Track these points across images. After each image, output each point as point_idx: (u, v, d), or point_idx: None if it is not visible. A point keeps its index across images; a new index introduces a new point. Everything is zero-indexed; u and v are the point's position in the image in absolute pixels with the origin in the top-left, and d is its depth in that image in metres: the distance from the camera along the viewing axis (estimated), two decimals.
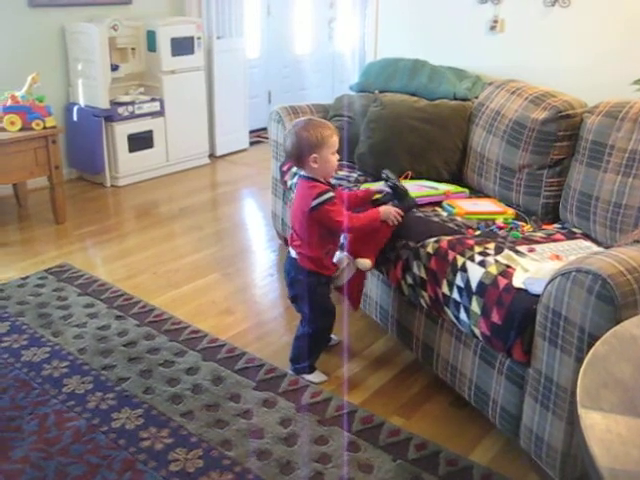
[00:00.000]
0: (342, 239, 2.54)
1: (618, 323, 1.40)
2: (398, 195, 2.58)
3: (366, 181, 3.13)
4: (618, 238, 2.40)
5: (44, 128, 3.88)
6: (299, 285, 2.51)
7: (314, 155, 2.36)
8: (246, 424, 2.27)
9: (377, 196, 2.65)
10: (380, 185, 2.73)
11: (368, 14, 4.42)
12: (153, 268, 3.55)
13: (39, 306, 3.05)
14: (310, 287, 2.47)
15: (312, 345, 2.57)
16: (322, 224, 2.39)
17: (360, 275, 2.64)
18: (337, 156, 2.45)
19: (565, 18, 3.38)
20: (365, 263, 2.52)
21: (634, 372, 1.18)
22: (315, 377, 2.57)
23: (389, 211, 2.48)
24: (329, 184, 2.47)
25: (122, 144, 4.87)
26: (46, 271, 3.42)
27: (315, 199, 2.35)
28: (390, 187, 2.61)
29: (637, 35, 3.13)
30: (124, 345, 2.75)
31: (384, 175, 2.63)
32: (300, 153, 2.40)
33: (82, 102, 4.83)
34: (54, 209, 4.11)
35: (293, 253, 2.50)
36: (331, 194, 2.38)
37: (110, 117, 4.75)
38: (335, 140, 2.41)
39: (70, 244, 3.84)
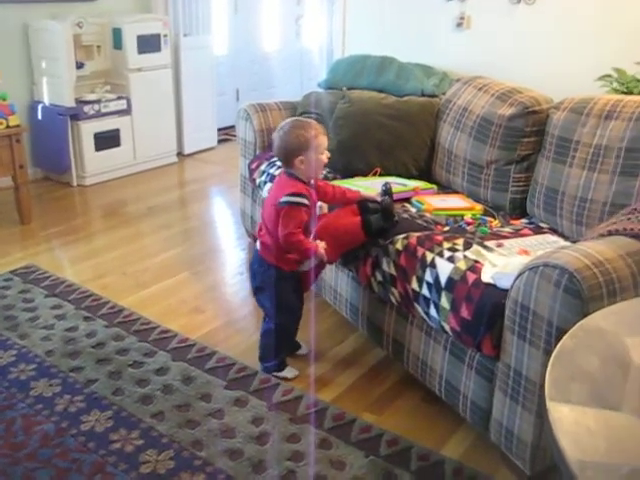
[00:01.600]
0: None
1: (585, 316, 1.42)
2: (387, 213, 2.51)
3: (335, 178, 3.13)
4: (584, 232, 2.43)
5: (7, 127, 3.81)
6: (261, 278, 2.51)
7: (300, 157, 2.36)
8: (217, 424, 2.26)
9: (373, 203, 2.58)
10: (377, 194, 2.64)
11: (335, 11, 4.42)
12: (121, 268, 3.51)
13: (5, 308, 2.99)
14: (271, 281, 2.47)
15: (277, 341, 2.56)
16: (279, 220, 2.37)
17: (320, 263, 2.59)
18: (327, 154, 2.44)
19: (530, 15, 3.41)
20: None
21: (601, 364, 1.19)
22: (287, 373, 2.58)
23: (322, 251, 2.42)
24: (309, 184, 2.45)
25: (88, 143, 4.80)
26: (12, 272, 3.36)
27: (287, 196, 2.34)
28: (384, 203, 2.53)
29: (602, 32, 3.18)
30: (93, 346, 2.71)
31: (386, 188, 2.57)
32: (287, 156, 2.39)
33: (47, 100, 4.75)
34: (19, 209, 4.04)
35: (258, 244, 2.51)
36: (304, 201, 2.35)
37: (76, 116, 4.69)
38: (322, 140, 2.41)
39: (36, 245, 3.78)
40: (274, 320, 2.53)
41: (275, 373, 2.56)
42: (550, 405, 1.06)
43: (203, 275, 3.46)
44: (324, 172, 3.24)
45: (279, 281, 2.47)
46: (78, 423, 2.24)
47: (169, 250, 3.76)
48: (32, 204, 4.15)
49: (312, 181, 2.48)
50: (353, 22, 4.27)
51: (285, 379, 2.54)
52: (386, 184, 2.60)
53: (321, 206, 2.66)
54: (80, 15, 4.69)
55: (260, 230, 2.51)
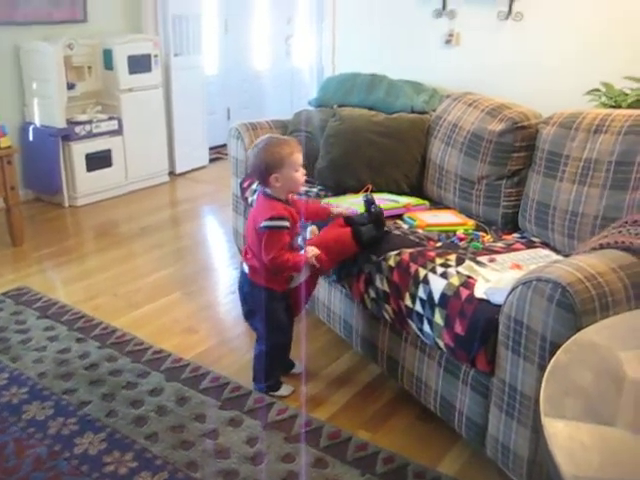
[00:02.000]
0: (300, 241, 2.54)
1: (579, 330, 1.42)
2: (378, 222, 2.52)
3: (327, 196, 3.13)
4: (576, 246, 2.43)
5: None
6: (252, 300, 2.51)
7: (275, 175, 2.34)
8: (212, 444, 2.24)
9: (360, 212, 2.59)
10: (352, 209, 2.68)
11: (325, 30, 4.45)
12: (114, 289, 3.49)
13: None
14: (263, 303, 2.45)
15: (270, 363, 2.56)
16: (263, 246, 2.35)
17: (312, 279, 2.60)
18: (302, 171, 2.43)
19: (519, 31, 3.44)
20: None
21: (595, 379, 1.19)
22: (283, 391, 2.57)
23: (313, 257, 2.39)
24: (287, 203, 2.43)
25: (80, 163, 4.80)
26: (4, 294, 3.34)
27: (266, 220, 2.32)
28: (374, 212, 2.53)
29: (588, 47, 3.20)
30: (85, 368, 2.70)
31: (367, 199, 2.57)
32: (261, 173, 2.38)
33: (38, 122, 4.75)
34: (11, 231, 4.03)
35: (246, 267, 2.49)
36: (284, 224, 2.33)
37: (67, 136, 4.69)
38: (297, 157, 2.39)
39: (28, 266, 3.77)
40: (267, 342, 2.52)
41: (271, 393, 2.55)
42: (545, 421, 1.06)
43: (196, 294, 3.45)
44: (316, 190, 3.25)
45: (271, 302, 2.46)
46: (71, 446, 2.22)
47: (161, 270, 3.75)
48: (24, 225, 4.14)
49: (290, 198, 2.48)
50: (342, 40, 4.29)
51: (281, 397, 2.53)
52: (366, 196, 2.60)
53: (312, 230, 2.66)
54: (71, 36, 4.70)
55: (246, 253, 2.49)
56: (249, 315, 2.58)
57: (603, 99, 2.96)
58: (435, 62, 3.79)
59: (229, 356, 2.85)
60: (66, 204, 4.84)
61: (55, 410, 2.42)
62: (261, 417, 2.40)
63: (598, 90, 2.99)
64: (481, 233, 2.74)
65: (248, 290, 2.50)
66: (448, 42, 3.73)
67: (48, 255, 3.95)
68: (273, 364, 2.57)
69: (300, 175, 2.42)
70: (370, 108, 3.45)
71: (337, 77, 3.83)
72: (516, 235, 2.77)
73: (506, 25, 3.48)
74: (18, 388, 2.55)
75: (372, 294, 2.44)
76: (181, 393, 2.53)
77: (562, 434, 1.03)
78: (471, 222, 2.86)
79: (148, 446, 2.23)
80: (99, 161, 4.93)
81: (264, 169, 2.36)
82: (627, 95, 2.89)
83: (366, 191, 3.10)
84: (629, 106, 2.82)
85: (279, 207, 2.37)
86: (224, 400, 2.49)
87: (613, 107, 2.86)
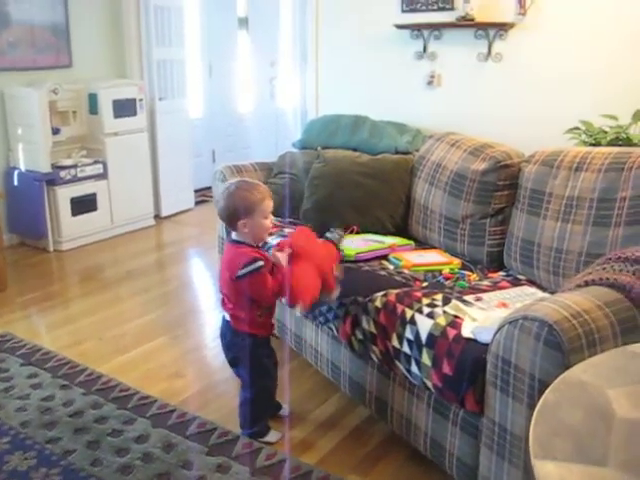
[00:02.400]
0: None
1: (567, 368, 1.42)
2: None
3: None
4: (561, 283, 2.44)
5: None
6: (236, 348, 2.48)
7: (243, 221, 2.31)
8: None
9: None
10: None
11: (308, 72, 4.50)
12: (99, 334, 3.46)
13: None
14: (247, 349, 2.42)
15: (256, 409, 2.52)
16: (248, 293, 2.34)
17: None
18: (271, 218, 2.41)
19: (498, 72, 3.51)
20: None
21: (584, 418, 1.19)
22: (270, 437, 2.53)
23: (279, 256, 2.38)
24: (258, 247, 2.42)
25: (65, 208, 4.79)
26: None
27: (241, 269, 2.27)
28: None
29: (568, 85, 3.27)
30: (70, 415, 2.65)
31: (331, 234, 2.62)
32: (230, 218, 2.35)
33: (23, 166, 4.75)
34: None
35: (227, 316, 2.46)
36: (259, 263, 2.28)
37: (52, 181, 4.69)
38: (267, 204, 2.35)
39: (11, 312, 3.72)
40: (252, 388, 2.49)
41: (259, 439, 2.51)
42: (536, 463, 1.05)
43: (182, 338, 3.42)
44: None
45: (255, 349, 2.44)
46: None
47: (148, 314, 3.72)
48: (8, 270, 4.10)
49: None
50: (326, 82, 4.35)
51: (268, 443, 2.49)
52: (331, 230, 2.72)
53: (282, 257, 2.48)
54: (56, 82, 4.73)
55: (225, 304, 2.46)
56: (233, 362, 2.55)
57: (583, 137, 3.01)
58: (417, 103, 3.85)
59: (216, 401, 2.82)
60: (51, 248, 4.81)
61: (38, 460, 2.36)
62: (249, 463, 2.36)
63: (578, 128, 3.04)
64: (467, 272, 2.75)
65: (230, 338, 2.48)
66: (430, 83, 3.79)
67: (32, 300, 3.91)
68: (259, 410, 2.54)
69: (269, 223, 2.39)
70: (354, 149, 3.48)
71: (321, 119, 3.87)
72: (502, 273, 2.77)
73: (486, 66, 3.55)
74: (0, 438, 2.50)
75: (359, 335, 2.42)
76: (168, 440, 2.49)
77: (553, 476, 1.02)
78: (457, 261, 2.87)
79: None
80: (84, 205, 4.92)
81: (233, 213, 2.33)
82: (606, 133, 2.94)
83: (351, 232, 3.11)
84: (608, 143, 2.87)
85: (248, 251, 2.32)
86: (211, 446, 2.45)
87: (593, 145, 2.90)
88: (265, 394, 2.54)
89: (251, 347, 2.42)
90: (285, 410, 2.69)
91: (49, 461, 2.36)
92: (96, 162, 4.97)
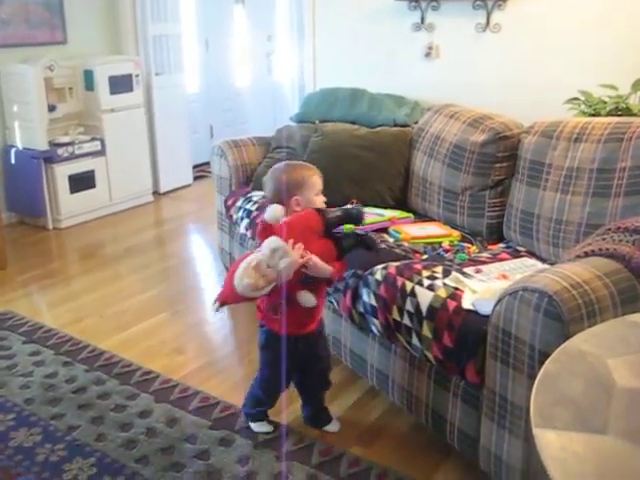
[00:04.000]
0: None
1: (567, 339, 1.42)
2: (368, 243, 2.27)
3: None
4: (561, 254, 2.45)
5: None
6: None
7: (296, 197, 2.23)
8: (203, 465, 2.22)
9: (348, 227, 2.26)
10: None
11: (305, 46, 4.46)
12: (100, 310, 3.47)
13: None
14: (259, 334, 2.34)
15: (255, 390, 2.43)
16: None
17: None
18: (322, 197, 2.30)
19: (496, 43, 3.47)
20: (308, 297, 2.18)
21: (585, 388, 1.19)
22: (256, 426, 2.43)
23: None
24: None
25: (63, 185, 4.78)
26: None
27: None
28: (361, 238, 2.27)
29: (566, 55, 3.24)
30: (73, 392, 2.67)
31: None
32: (281, 197, 2.23)
33: (20, 144, 4.73)
34: None
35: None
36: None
37: (49, 158, 4.67)
38: (316, 180, 2.28)
39: (12, 290, 3.73)
40: (259, 373, 2.40)
41: (250, 422, 2.45)
42: (536, 432, 1.06)
43: (183, 314, 3.43)
44: None
45: (266, 338, 2.30)
46: (60, 472, 2.19)
47: (148, 290, 3.73)
48: (7, 249, 4.11)
49: None
50: (323, 56, 4.31)
51: (255, 432, 2.41)
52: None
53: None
54: (51, 58, 4.69)
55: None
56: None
57: (582, 107, 2.99)
58: (415, 75, 3.81)
59: (218, 375, 2.83)
60: (50, 226, 4.81)
61: (43, 436, 2.39)
62: (252, 436, 2.38)
63: (577, 99, 3.01)
64: (466, 244, 2.75)
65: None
66: (428, 55, 3.75)
67: (33, 278, 3.91)
68: (257, 393, 2.43)
69: (319, 200, 2.29)
70: (352, 122, 3.46)
71: (318, 92, 3.85)
72: (501, 245, 2.78)
73: (484, 37, 3.51)
74: (4, 415, 2.51)
75: (360, 309, 2.43)
76: (171, 414, 2.51)
77: (554, 445, 1.03)
78: (456, 233, 2.87)
79: (139, 469, 2.20)
80: (82, 182, 4.91)
81: (285, 191, 2.23)
82: (606, 103, 2.92)
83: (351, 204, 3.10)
84: (608, 114, 2.85)
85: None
86: (214, 420, 2.47)
87: (592, 115, 2.88)
88: (267, 384, 2.40)
89: (262, 335, 2.33)
90: (335, 426, 2.48)
91: (54, 437, 2.38)
92: (93, 139, 4.95)
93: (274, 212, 2.11)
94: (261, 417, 2.45)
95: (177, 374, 2.82)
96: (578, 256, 2.00)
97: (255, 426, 2.43)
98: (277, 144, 3.61)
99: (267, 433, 2.41)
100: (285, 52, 6.49)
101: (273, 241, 2.04)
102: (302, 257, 2.06)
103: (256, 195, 3.37)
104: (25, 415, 2.51)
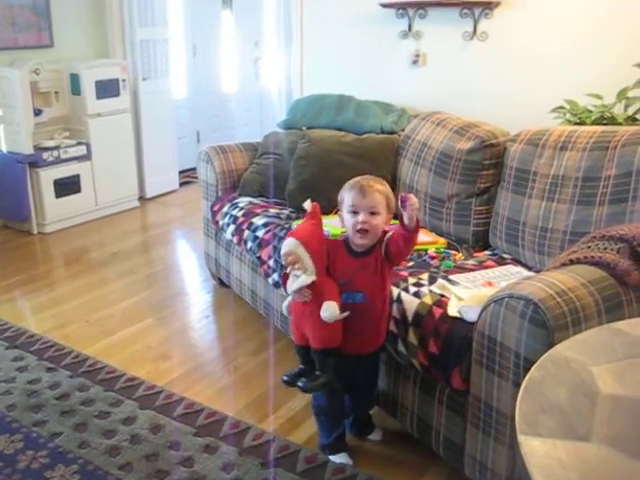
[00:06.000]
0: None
1: (552, 346, 1.42)
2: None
3: (298, 218, 3.13)
4: (546, 262, 2.45)
5: None
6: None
7: (339, 212, 2.19)
8: (187, 472, 2.20)
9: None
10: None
11: (293, 52, 4.47)
12: (85, 316, 3.44)
13: None
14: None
15: (317, 420, 2.35)
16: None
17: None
18: (356, 217, 2.07)
19: (484, 51, 3.49)
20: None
21: (570, 395, 1.20)
22: (337, 458, 2.28)
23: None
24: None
25: (48, 190, 4.75)
26: None
27: None
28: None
29: (552, 65, 3.26)
30: (56, 398, 2.64)
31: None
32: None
33: (4, 148, 4.70)
34: None
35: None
36: None
37: (34, 163, 4.64)
38: (355, 197, 2.09)
39: None
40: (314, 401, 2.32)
41: (329, 455, 2.29)
42: (521, 439, 1.06)
43: (168, 320, 3.41)
44: (286, 212, 3.23)
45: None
46: None
47: (133, 296, 3.70)
48: None
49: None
50: (311, 62, 4.32)
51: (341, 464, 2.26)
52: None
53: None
54: (37, 62, 4.66)
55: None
56: None
57: (568, 116, 3.01)
58: (403, 82, 3.83)
59: (203, 381, 2.82)
60: (35, 231, 4.77)
61: (25, 443, 2.36)
62: (237, 443, 2.36)
63: (563, 107, 3.04)
64: (452, 251, 2.76)
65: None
66: (415, 62, 3.77)
67: (16, 283, 3.88)
68: (321, 424, 2.34)
69: (352, 219, 2.08)
70: (339, 129, 3.47)
71: (305, 99, 3.85)
72: (487, 252, 2.78)
73: (471, 45, 3.53)
74: None
75: None
76: (155, 421, 2.49)
77: (539, 452, 1.03)
78: (442, 240, 2.87)
79: (122, 476, 2.18)
80: (68, 187, 4.88)
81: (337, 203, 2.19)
82: (591, 112, 2.94)
83: (336, 213, 3.10)
84: (593, 122, 2.87)
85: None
86: (199, 427, 2.46)
87: (578, 124, 2.91)
88: (322, 411, 2.32)
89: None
90: (377, 434, 2.45)
91: (36, 444, 2.35)
92: (79, 143, 4.92)
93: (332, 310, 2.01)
94: (340, 446, 2.31)
95: (162, 380, 2.80)
96: (563, 264, 2.01)
97: (335, 457, 2.28)
98: (264, 150, 3.61)
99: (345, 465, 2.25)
100: (272, 58, 6.50)
101: None
102: None
103: (242, 201, 3.36)
104: (7, 421, 2.49)
